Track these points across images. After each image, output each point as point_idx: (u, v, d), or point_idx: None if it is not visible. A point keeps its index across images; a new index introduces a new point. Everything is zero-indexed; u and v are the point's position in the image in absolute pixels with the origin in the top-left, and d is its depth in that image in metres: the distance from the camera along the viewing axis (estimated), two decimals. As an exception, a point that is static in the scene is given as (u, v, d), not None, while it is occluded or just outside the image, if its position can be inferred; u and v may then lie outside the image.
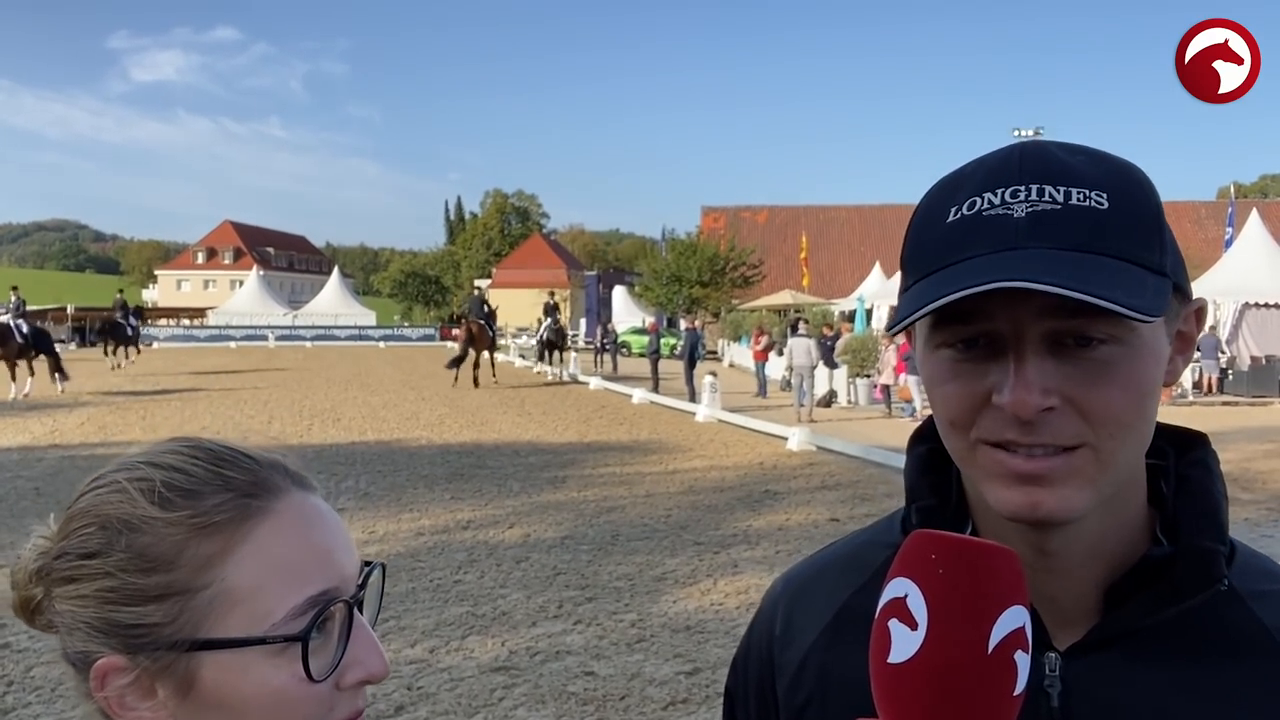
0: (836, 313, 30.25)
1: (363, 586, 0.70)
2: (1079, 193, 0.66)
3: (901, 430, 13.12)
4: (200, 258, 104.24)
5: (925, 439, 0.81)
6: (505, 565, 6.79)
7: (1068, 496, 0.66)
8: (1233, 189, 44.94)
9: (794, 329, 19.61)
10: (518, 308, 52.37)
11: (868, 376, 19.68)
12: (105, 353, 27.70)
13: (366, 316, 60.62)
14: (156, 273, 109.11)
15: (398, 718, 4.30)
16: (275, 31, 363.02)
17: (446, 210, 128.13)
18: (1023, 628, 0.56)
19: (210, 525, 0.65)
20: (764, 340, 23.28)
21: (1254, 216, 25.02)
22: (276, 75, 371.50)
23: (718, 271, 44.52)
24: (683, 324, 28.81)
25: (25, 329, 20.51)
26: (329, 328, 54.12)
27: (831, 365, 20.15)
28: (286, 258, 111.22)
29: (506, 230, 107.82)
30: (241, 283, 70.00)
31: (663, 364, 23.91)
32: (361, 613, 0.70)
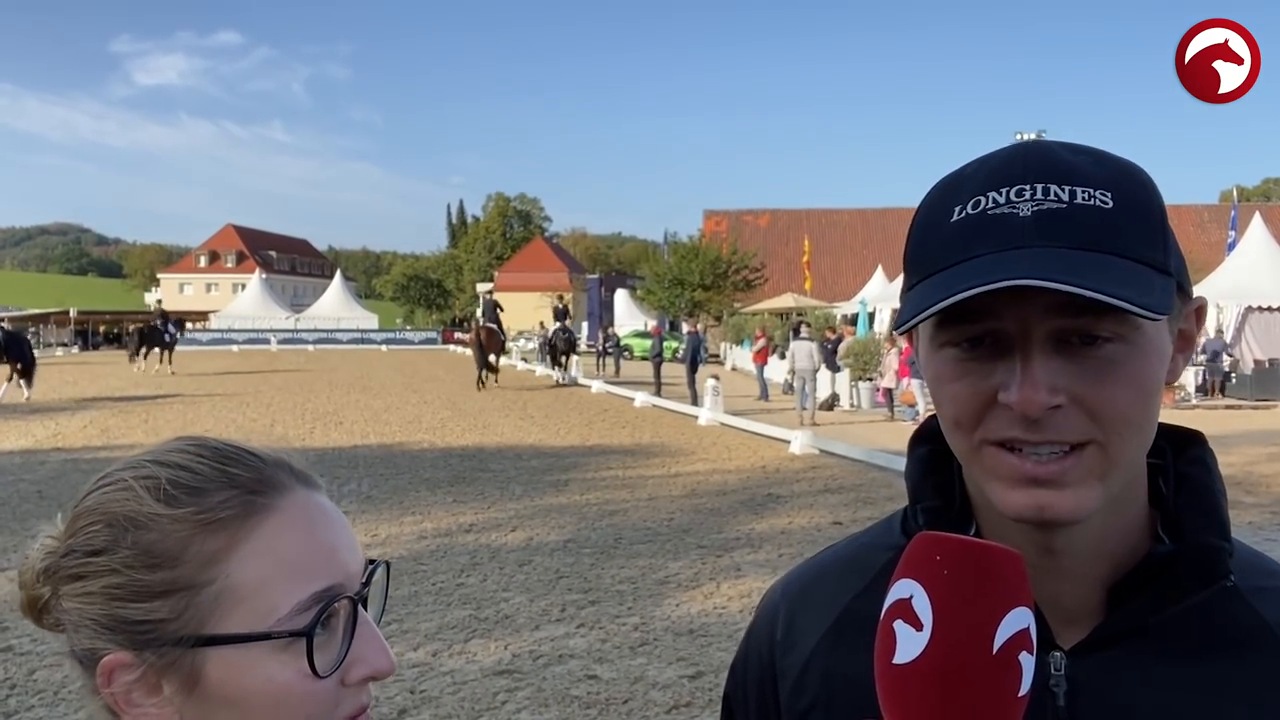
0: (839, 316, 30.24)
1: (367, 584, 0.71)
2: (1084, 192, 0.66)
3: (904, 434, 13.05)
4: (203, 261, 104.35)
5: (926, 440, 0.81)
6: (508, 568, 6.78)
7: (1075, 498, 0.66)
8: (1235, 192, 44.89)
9: (796, 332, 19.60)
10: (520, 311, 52.40)
11: (870, 380, 19.66)
12: (134, 355, 28.17)
13: (369, 320, 60.69)
14: (159, 276, 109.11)
15: (400, 721, 4.30)
16: (277, 35, 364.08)
17: (448, 214, 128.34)
18: (1027, 629, 0.56)
19: (215, 522, 0.66)
20: (760, 341, 23.27)
21: (1256, 220, 25.01)
22: (279, 79, 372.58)
23: (720, 275, 44.51)
24: (685, 327, 28.76)
25: None
26: (331, 331, 54.19)
27: (834, 368, 20.14)
28: (289, 261, 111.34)
29: (508, 234, 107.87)
30: (244, 286, 70.06)
31: (665, 367, 23.91)
32: (366, 610, 0.70)
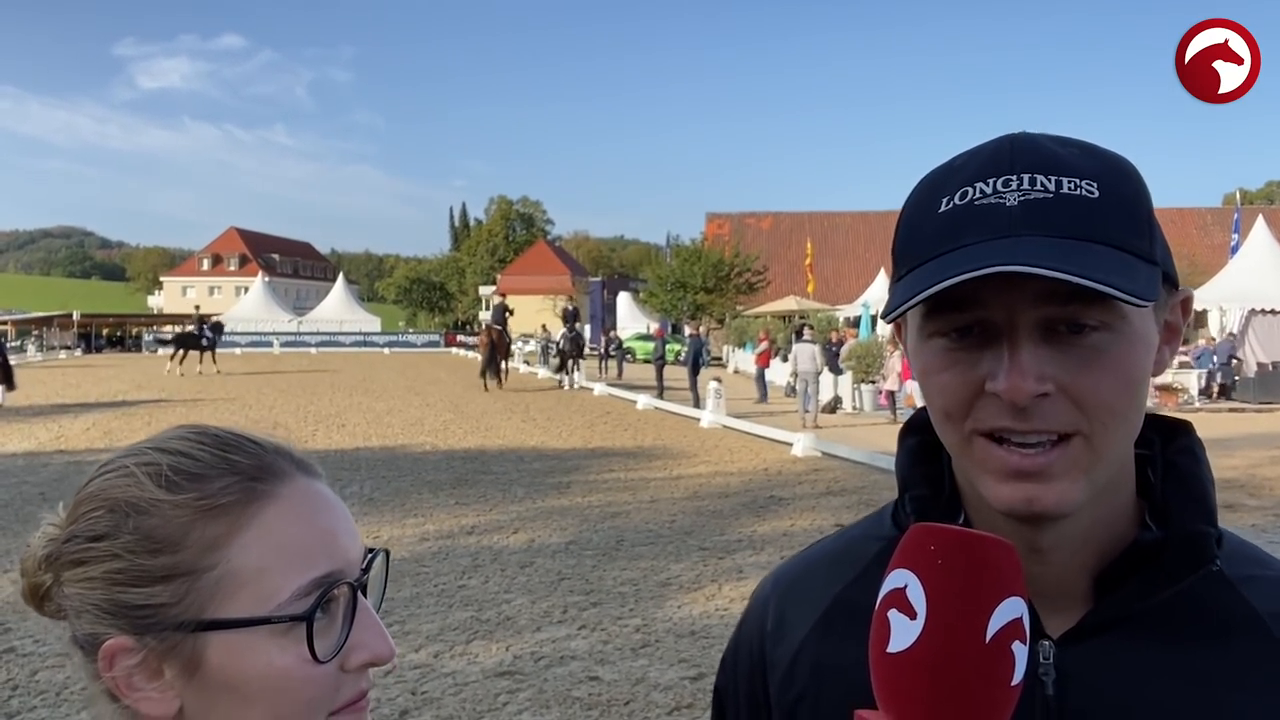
0: (841, 319, 30.26)
1: (366, 570, 0.71)
2: (1070, 182, 0.66)
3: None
4: (206, 264, 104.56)
5: (916, 430, 0.81)
6: (510, 570, 6.78)
7: (1063, 491, 0.67)
8: (1238, 195, 44.85)
9: (799, 334, 19.60)
10: (522, 313, 52.45)
11: (872, 382, 19.66)
12: (172, 359, 29.54)
13: (371, 323, 60.70)
14: (162, 279, 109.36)
15: (402, 721, 4.30)
16: (281, 39, 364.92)
17: (451, 217, 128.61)
18: (1020, 618, 0.57)
19: (216, 508, 0.66)
20: (763, 344, 23.26)
21: (1260, 223, 25.01)
22: (282, 82, 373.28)
23: (722, 278, 44.55)
24: (687, 330, 28.72)
25: None
26: (334, 334, 54.22)
27: (836, 371, 20.13)
28: (291, 264, 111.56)
29: (511, 237, 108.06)
30: (247, 289, 70.11)
31: (667, 370, 23.92)
32: (365, 596, 0.70)
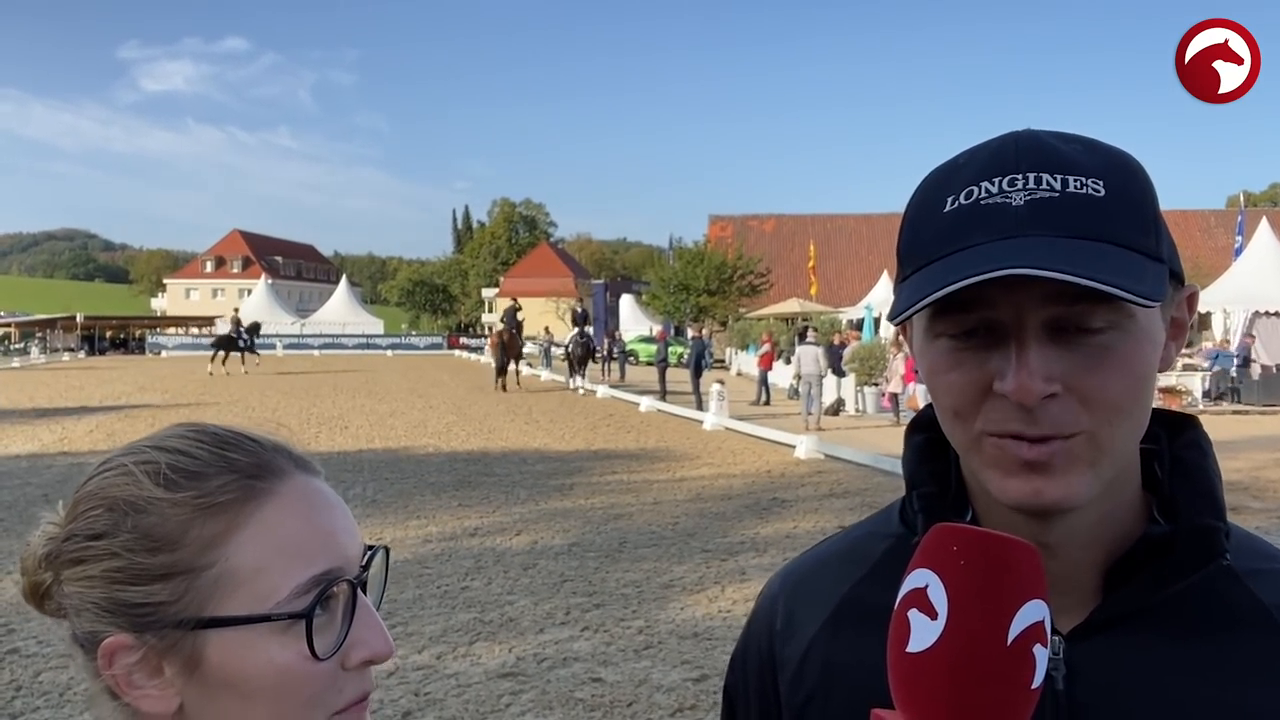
0: (844, 321, 30.24)
1: (366, 568, 0.71)
2: (1076, 180, 0.66)
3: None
4: (209, 267, 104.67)
5: (923, 428, 0.81)
6: (513, 572, 6.78)
7: (1070, 484, 0.66)
8: (1242, 197, 44.80)
9: (802, 337, 19.59)
10: (525, 316, 52.48)
11: (875, 385, 19.65)
12: (213, 360, 31.01)
13: (374, 325, 60.79)
14: (165, 281, 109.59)
15: (404, 723, 4.30)
16: (284, 42, 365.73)
17: (454, 219, 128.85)
18: (1041, 622, 0.56)
19: (215, 506, 0.66)
20: (765, 346, 23.25)
21: (1264, 225, 24.96)
22: (285, 85, 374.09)
23: (725, 280, 44.58)
24: (689, 332, 28.70)
25: None
26: (337, 336, 54.31)
27: (839, 373, 20.12)
28: (295, 266, 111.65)
29: (514, 239, 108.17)
30: (250, 291, 70.18)
31: (670, 372, 23.91)
32: (365, 594, 0.70)
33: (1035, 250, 0.63)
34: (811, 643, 0.81)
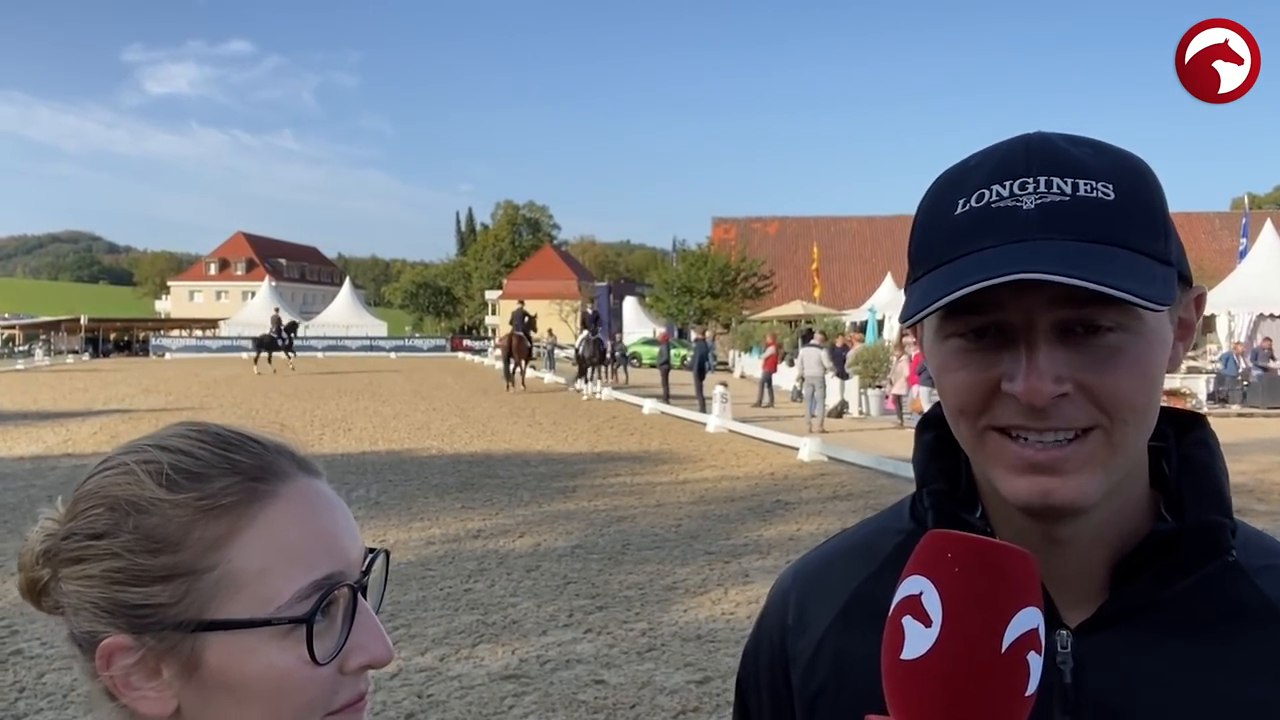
0: (848, 323, 30.23)
1: (367, 572, 0.70)
2: (1086, 184, 0.67)
3: (912, 442, 12.99)
4: (213, 269, 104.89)
5: (933, 425, 0.82)
6: (516, 574, 6.78)
7: (1081, 485, 0.67)
8: (1247, 199, 44.83)
9: (806, 339, 19.57)
10: (537, 315, 52.56)
11: (879, 387, 19.63)
12: (256, 360, 32.86)
13: (378, 327, 60.86)
14: (169, 284, 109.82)
15: (407, 725, 4.29)
16: (288, 44, 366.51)
17: (457, 221, 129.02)
18: (1036, 630, 0.57)
19: (217, 508, 0.66)
20: (770, 349, 23.22)
21: (1268, 227, 24.91)
22: (289, 88, 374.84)
23: (728, 282, 44.61)
24: (693, 335, 28.66)
25: None
26: (340, 338, 54.37)
27: (843, 376, 20.10)
28: (298, 269, 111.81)
29: (517, 241, 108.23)
30: (253, 294, 70.31)
31: (673, 374, 23.90)
32: (365, 598, 0.70)
33: (1046, 254, 0.64)
34: (824, 636, 0.82)
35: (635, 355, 38.35)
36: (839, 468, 11.92)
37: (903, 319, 0.72)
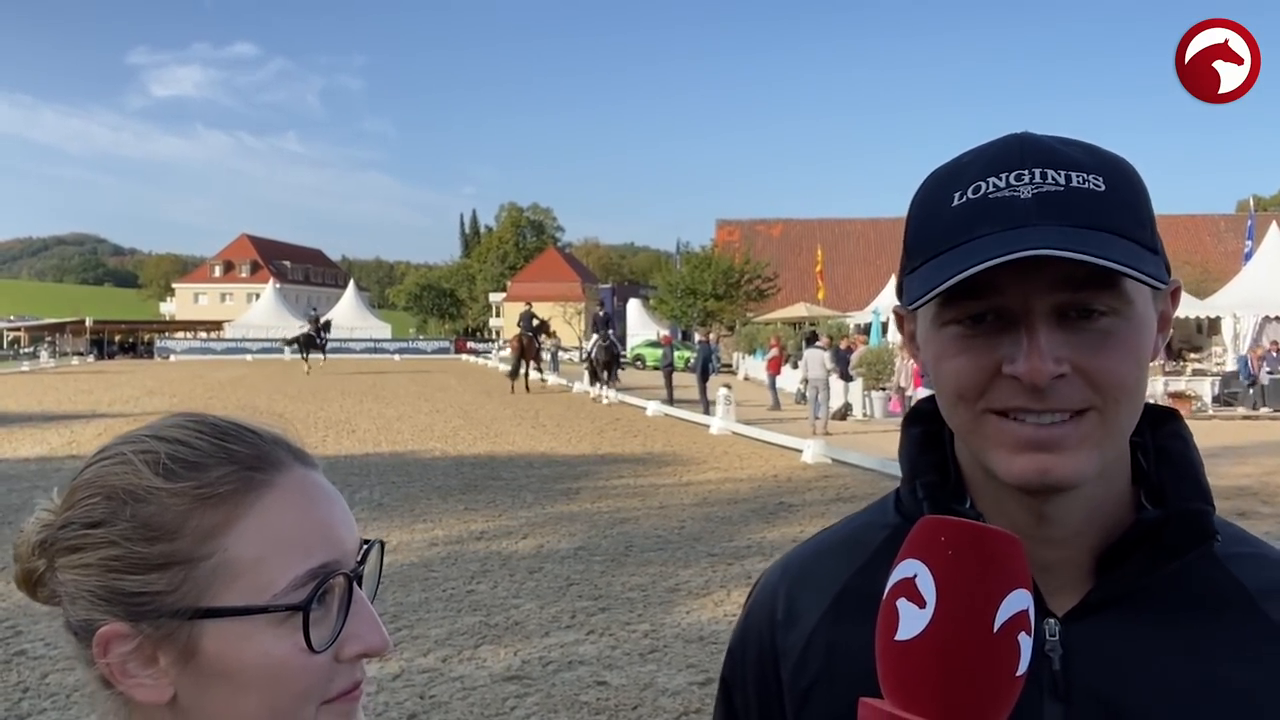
0: (851, 325, 30.20)
1: (362, 562, 0.71)
2: (1079, 176, 0.69)
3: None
4: (217, 271, 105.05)
5: (920, 420, 0.85)
6: (518, 575, 6.78)
7: (1075, 462, 0.69)
8: (1252, 202, 44.67)
9: (809, 341, 19.56)
10: (549, 318, 52.58)
11: (883, 389, 19.61)
12: (306, 359, 34.91)
13: (382, 329, 60.95)
14: (174, 286, 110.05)
15: (410, 726, 4.29)
16: (293, 47, 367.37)
17: (461, 224, 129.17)
18: (1026, 610, 0.58)
19: (214, 496, 0.66)
20: (773, 351, 23.19)
21: (1273, 229, 24.86)
22: (294, 90, 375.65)
23: (732, 285, 44.55)
24: (696, 337, 28.64)
25: None
26: (344, 340, 54.39)
27: (847, 378, 20.09)
28: (303, 271, 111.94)
29: (521, 244, 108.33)
30: (258, 296, 70.51)
31: (677, 376, 23.90)
32: (361, 588, 0.70)
33: (1045, 237, 0.66)
34: (814, 630, 0.83)
35: (639, 357, 38.33)
36: (843, 470, 11.91)
37: (907, 303, 0.74)
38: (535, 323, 25.21)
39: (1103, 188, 0.69)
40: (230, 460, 0.68)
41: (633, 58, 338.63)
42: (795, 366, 21.85)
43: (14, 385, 27.39)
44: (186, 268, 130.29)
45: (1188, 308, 24.60)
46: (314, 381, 29.53)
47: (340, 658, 0.67)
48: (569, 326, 52.67)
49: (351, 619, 0.68)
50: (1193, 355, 25.17)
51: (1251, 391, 20.69)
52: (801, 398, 19.70)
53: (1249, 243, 28.47)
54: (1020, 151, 0.71)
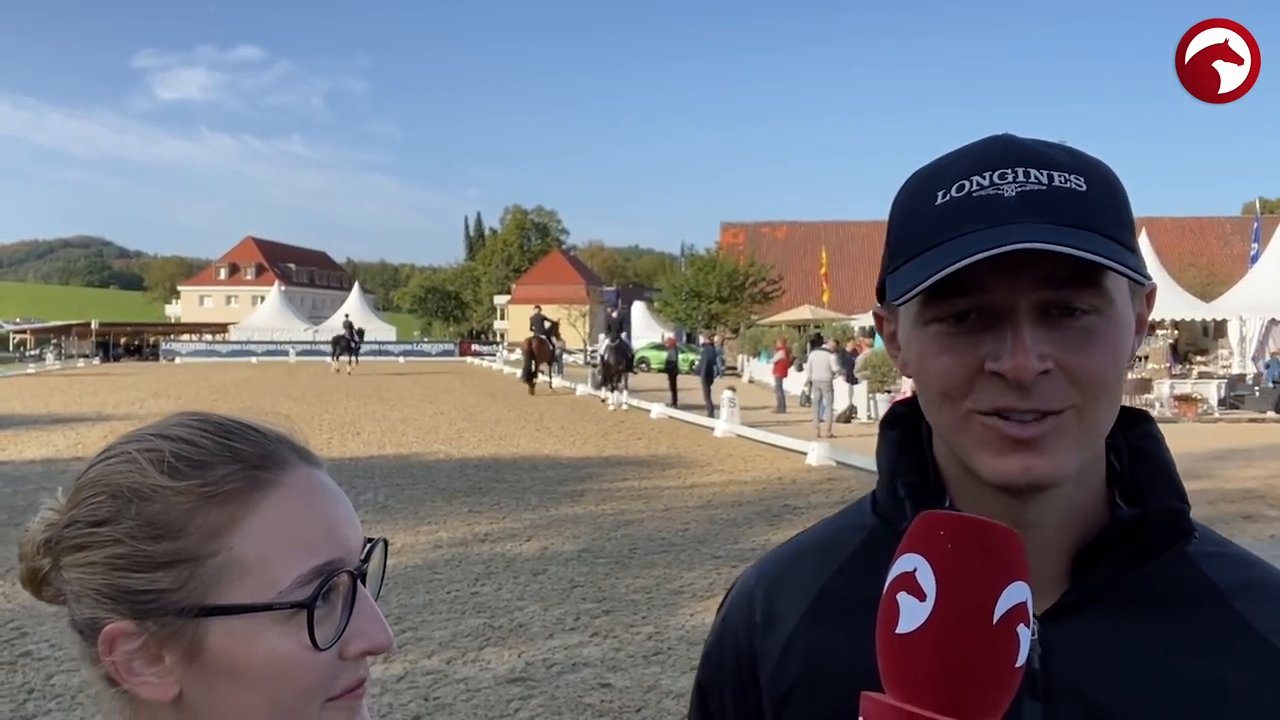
0: (856, 328, 30.16)
1: (366, 560, 0.71)
2: (1061, 176, 0.70)
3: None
4: (223, 274, 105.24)
5: (898, 422, 0.85)
6: (523, 577, 6.78)
7: (1057, 459, 0.70)
8: (1258, 204, 44.64)
9: (815, 343, 19.53)
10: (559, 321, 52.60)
11: (888, 392, 19.58)
12: (350, 362, 35.64)
13: (386, 332, 60.94)
14: (179, 288, 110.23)
15: (414, 728, 4.29)
16: (298, 50, 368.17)
17: (466, 226, 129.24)
18: (1025, 602, 0.59)
19: (219, 495, 0.66)
20: (779, 353, 23.16)
21: None
22: (298, 93, 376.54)
23: (737, 287, 44.55)
24: (701, 339, 28.61)
25: None
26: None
27: (852, 380, 20.07)
28: (307, 273, 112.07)
29: (526, 246, 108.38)
30: (263, 298, 70.61)
31: (681, 379, 23.89)
32: (365, 586, 0.70)
33: (1030, 233, 0.67)
34: (793, 633, 0.82)
35: (644, 360, 38.30)
36: (847, 472, 11.89)
37: (892, 299, 0.73)
38: (546, 325, 25.33)
39: (1084, 188, 0.70)
40: (235, 459, 0.68)
41: (636, 60, 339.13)
42: (800, 369, 21.80)
43: (20, 387, 27.48)
44: (191, 270, 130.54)
45: (1194, 310, 24.56)
46: (318, 384, 29.59)
47: (345, 655, 0.68)
48: (574, 329, 52.69)
49: (356, 616, 0.68)
50: (1199, 358, 25.10)
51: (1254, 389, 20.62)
52: (806, 400, 19.68)
53: (1255, 245, 28.40)
54: (1003, 152, 0.72)
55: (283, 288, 69.63)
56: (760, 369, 30.68)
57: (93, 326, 55.72)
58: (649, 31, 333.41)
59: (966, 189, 0.71)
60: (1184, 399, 19.53)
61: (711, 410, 19.13)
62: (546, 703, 4.53)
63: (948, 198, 0.72)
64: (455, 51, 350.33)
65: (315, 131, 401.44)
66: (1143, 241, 25.45)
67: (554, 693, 4.65)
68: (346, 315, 41.47)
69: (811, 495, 10.19)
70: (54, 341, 54.59)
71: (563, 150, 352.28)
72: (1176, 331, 24.60)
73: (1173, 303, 24.01)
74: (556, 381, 27.80)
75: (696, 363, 26.12)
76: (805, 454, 12.93)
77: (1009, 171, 0.70)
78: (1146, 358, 21.79)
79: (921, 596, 0.58)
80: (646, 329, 50.58)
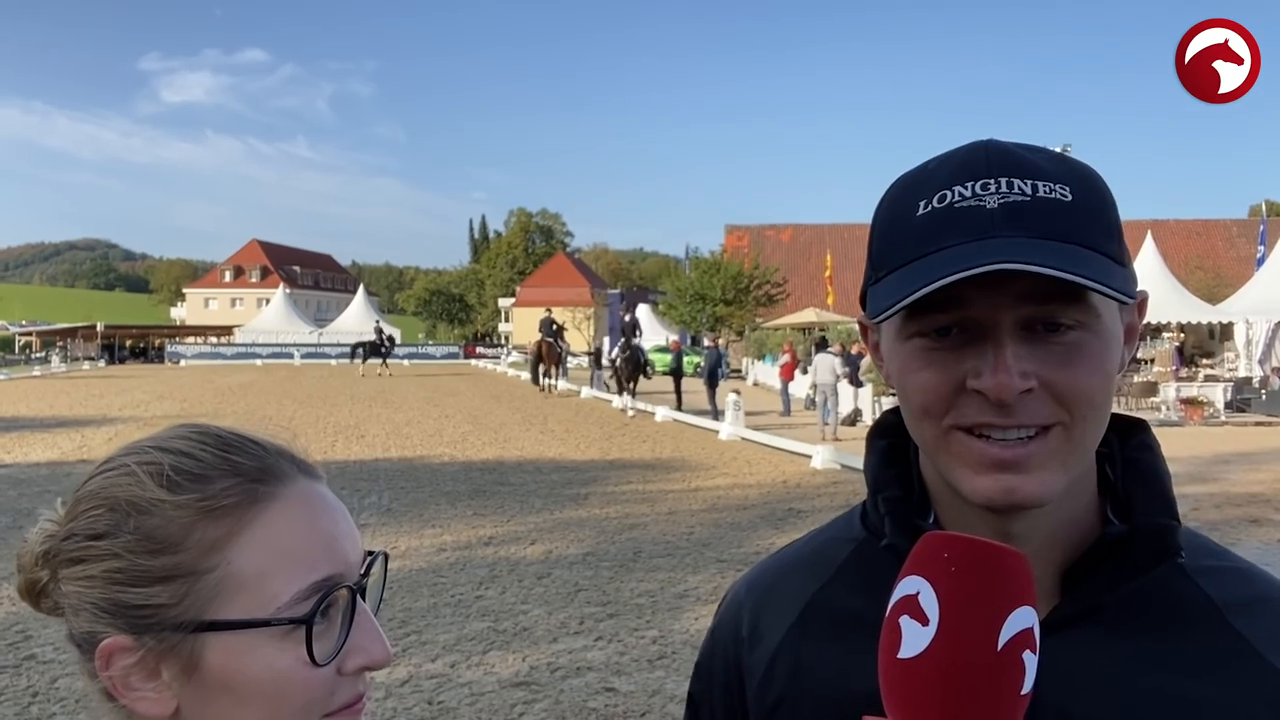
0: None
1: (366, 574, 0.70)
2: (1045, 186, 0.68)
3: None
4: (227, 276, 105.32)
5: (885, 433, 0.83)
6: (527, 581, 6.77)
7: (1040, 481, 0.68)
8: (1264, 206, 44.50)
9: (820, 346, 19.48)
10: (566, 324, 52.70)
11: (892, 395, 19.50)
12: (362, 362, 36.88)
13: (391, 334, 60.86)
14: (184, 291, 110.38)
15: (418, 732, 4.29)
16: (303, 53, 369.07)
17: (471, 229, 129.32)
18: (1031, 628, 0.57)
19: (218, 509, 0.66)
20: (785, 356, 23.12)
21: (1285, 234, 24.71)
22: (304, 96, 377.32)
23: (741, 290, 44.52)
24: (705, 342, 28.55)
25: None
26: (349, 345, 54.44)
27: (857, 383, 20.02)
28: (312, 276, 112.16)
29: (530, 249, 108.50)
30: (268, 301, 70.67)
31: (686, 382, 23.87)
32: (364, 600, 0.70)
33: (1012, 249, 0.65)
34: (780, 646, 0.81)
35: (649, 363, 38.28)
36: (852, 476, 11.86)
37: (872, 316, 0.72)
38: (555, 327, 25.41)
39: (1070, 197, 0.68)
40: (234, 472, 0.67)
41: (641, 63, 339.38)
42: (805, 372, 21.75)
43: (25, 390, 27.53)
44: (197, 273, 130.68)
45: (1200, 313, 24.48)
46: (322, 386, 29.62)
47: (343, 670, 0.67)
48: (579, 332, 52.69)
49: (354, 631, 0.67)
50: (1205, 361, 25.01)
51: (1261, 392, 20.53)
52: (811, 403, 19.63)
53: (1261, 248, 28.32)
54: (986, 159, 0.70)
55: (288, 290, 69.63)
56: (765, 372, 30.64)
57: (98, 329, 55.79)
58: (653, 37, 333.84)
59: (949, 199, 0.69)
60: (1190, 402, 19.45)
61: (716, 413, 19.10)
62: (551, 707, 4.52)
63: (929, 208, 0.70)
64: (461, 55, 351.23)
65: (320, 135, 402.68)
66: (1149, 244, 25.51)
67: (558, 697, 4.65)
68: (377, 321, 43.74)
69: (816, 499, 10.17)
70: (59, 344, 54.65)
71: (567, 153, 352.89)
72: (1183, 334, 24.52)
73: (1179, 306, 23.94)
74: (561, 384, 27.78)
75: (701, 366, 26.09)
76: (810, 457, 12.91)
77: (992, 181, 0.68)
78: (1152, 360, 21.75)
79: (924, 621, 0.57)
80: (651, 332, 50.61)
